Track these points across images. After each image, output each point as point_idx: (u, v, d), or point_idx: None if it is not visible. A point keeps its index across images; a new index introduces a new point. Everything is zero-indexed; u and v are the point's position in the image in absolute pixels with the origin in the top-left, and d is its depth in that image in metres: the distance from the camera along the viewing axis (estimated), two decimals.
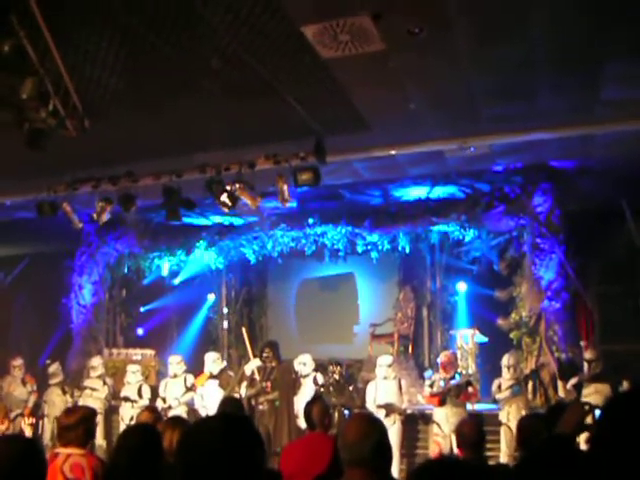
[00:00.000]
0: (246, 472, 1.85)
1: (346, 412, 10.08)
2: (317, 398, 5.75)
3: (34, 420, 7.24)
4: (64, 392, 11.61)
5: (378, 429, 2.78)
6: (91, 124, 6.72)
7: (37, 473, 2.15)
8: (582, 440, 3.18)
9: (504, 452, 9.11)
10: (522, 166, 10.65)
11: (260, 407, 10.19)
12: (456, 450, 7.10)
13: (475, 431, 4.78)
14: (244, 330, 11.75)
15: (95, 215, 9.79)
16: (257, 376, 10.37)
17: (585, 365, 9.47)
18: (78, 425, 4.29)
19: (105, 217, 9.80)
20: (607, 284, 11.46)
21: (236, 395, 10.21)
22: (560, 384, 9.93)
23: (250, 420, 2.09)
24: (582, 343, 10.34)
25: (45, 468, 2.23)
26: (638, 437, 1.89)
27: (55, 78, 6.03)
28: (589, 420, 2.82)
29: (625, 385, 8.97)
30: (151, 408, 5.58)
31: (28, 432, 6.52)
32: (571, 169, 10.48)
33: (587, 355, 9.57)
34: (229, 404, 5.27)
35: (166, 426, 4.43)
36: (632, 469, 1.90)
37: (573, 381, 9.48)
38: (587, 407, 2.89)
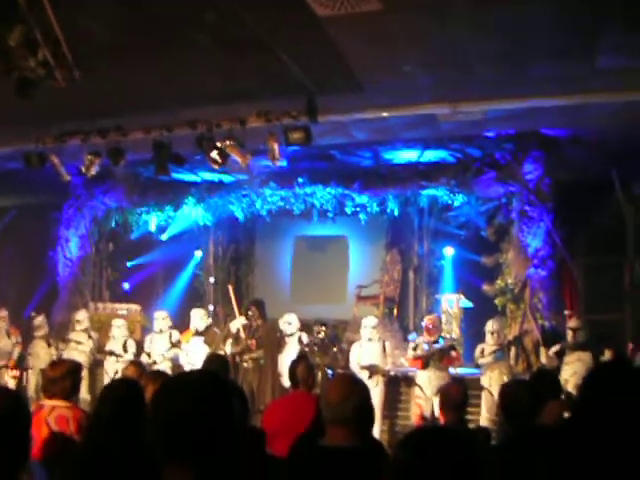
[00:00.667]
0: (227, 429, 1.85)
1: (329, 372, 10.16)
2: (302, 357, 5.80)
3: (18, 372, 7.24)
4: (49, 345, 11.63)
5: (360, 390, 2.80)
6: (81, 75, 6.63)
7: (21, 426, 2.15)
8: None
9: (484, 416, 9.24)
10: (514, 133, 10.63)
11: (245, 365, 10.26)
12: (438, 412, 7.20)
13: (460, 394, 4.85)
14: (230, 288, 11.76)
15: (83, 168, 9.70)
16: (242, 334, 10.42)
17: (569, 333, 9.55)
18: (64, 378, 4.31)
19: (94, 170, 9.71)
20: (594, 255, 11.54)
21: (221, 352, 10.27)
22: (543, 351, 10.03)
23: (230, 378, 2.08)
24: (566, 312, 10.42)
25: (29, 421, 2.23)
26: (617, 407, 1.91)
27: (45, 27, 5.93)
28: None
29: (607, 354, 9.08)
30: (136, 363, 5.61)
31: (12, 384, 6.53)
32: (563, 138, 10.46)
33: (571, 324, 9.65)
34: (214, 361, 5.29)
35: (147, 380, 4.45)
36: (611, 440, 1.92)
37: (555, 348, 9.58)
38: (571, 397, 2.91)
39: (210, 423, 1.83)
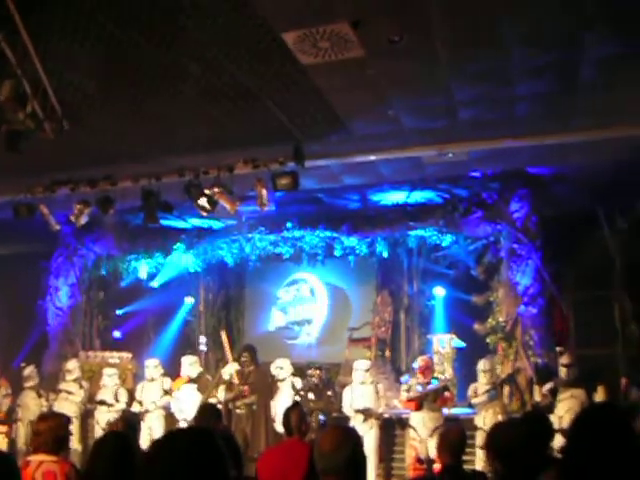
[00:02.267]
0: None
1: (321, 417, 10.09)
2: (295, 404, 5.78)
3: (7, 428, 7.17)
4: (39, 395, 11.51)
5: (352, 439, 2.82)
6: (70, 126, 6.69)
7: None
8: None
9: (479, 457, 9.17)
10: (499, 172, 10.75)
11: (238, 411, 10.19)
12: (434, 454, 7.15)
13: (459, 438, 4.86)
14: (223, 334, 11.72)
15: (73, 217, 9.74)
16: (235, 380, 10.36)
17: (562, 370, 9.55)
18: (52, 432, 4.27)
19: (83, 219, 9.76)
20: (582, 290, 11.58)
21: (214, 399, 10.20)
22: (536, 389, 10.02)
23: (214, 435, 2.08)
24: (558, 348, 10.43)
25: None
26: (603, 450, 1.93)
27: (34, 80, 6.00)
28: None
29: (600, 390, 9.08)
30: (125, 418, 5.55)
31: (1, 439, 6.46)
32: (547, 176, 10.59)
33: (563, 360, 9.66)
34: (207, 411, 5.27)
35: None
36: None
37: (548, 386, 9.57)
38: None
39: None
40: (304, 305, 14.15)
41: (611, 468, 1.91)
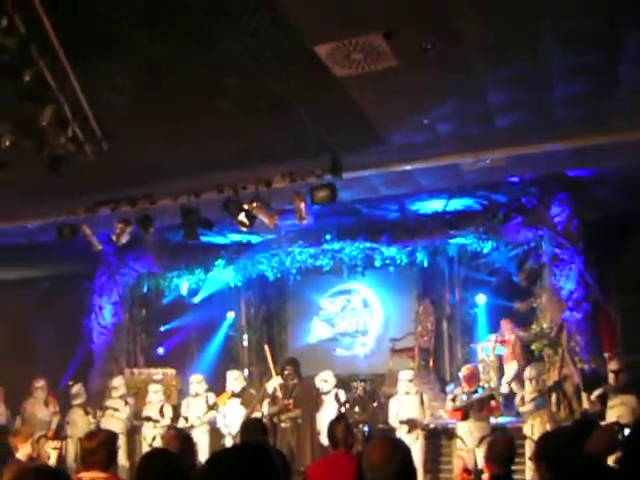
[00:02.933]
0: None
1: (366, 428, 10.02)
2: (340, 417, 5.76)
3: (59, 444, 7.26)
4: (86, 413, 11.65)
5: (402, 451, 2.80)
6: (109, 147, 6.80)
7: None
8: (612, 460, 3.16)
9: (529, 466, 9.03)
10: (538, 177, 10.63)
11: (282, 425, 10.19)
12: (482, 464, 7.07)
13: (507, 448, 4.79)
14: (267, 347, 11.74)
15: (114, 237, 9.87)
16: (279, 394, 10.37)
17: (610, 376, 9.38)
18: (100, 449, 4.31)
19: (124, 238, 9.88)
20: (629, 294, 11.37)
21: (258, 414, 10.22)
22: (584, 396, 9.85)
23: (270, 451, 2.08)
24: (606, 354, 10.25)
25: None
26: None
27: (73, 104, 6.11)
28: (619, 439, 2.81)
29: None
30: (180, 436, 5.55)
31: (53, 455, 6.54)
32: (588, 178, 10.44)
33: (612, 366, 9.48)
34: (252, 426, 5.27)
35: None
36: None
37: (597, 392, 9.39)
38: (616, 427, 2.88)
39: None
40: (356, 316, 14.13)
41: None
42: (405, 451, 2.83)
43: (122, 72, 6.38)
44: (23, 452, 6.86)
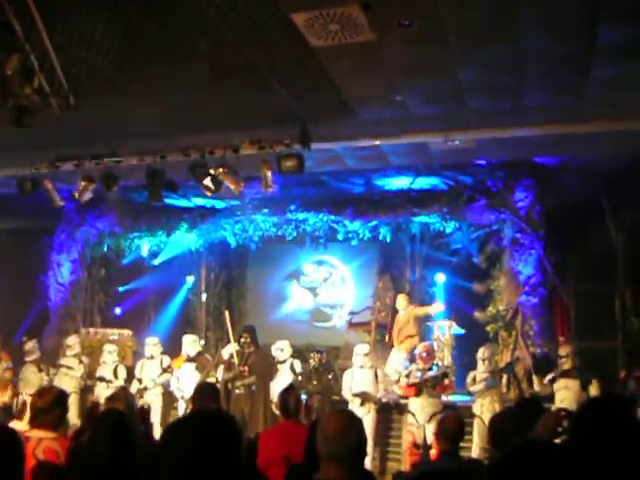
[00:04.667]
0: (227, 474, 1.87)
1: (304, 397, 10.06)
2: (291, 387, 5.79)
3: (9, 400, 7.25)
4: (40, 370, 11.53)
5: (357, 426, 2.82)
6: (76, 102, 6.66)
7: (17, 463, 2.15)
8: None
9: (476, 444, 9.20)
10: (505, 161, 10.72)
11: (237, 391, 10.21)
12: (431, 440, 7.18)
13: (457, 426, 4.87)
14: (227, 313, 11.72)
15: (77, 193, 9.73)
16: (235, 360, 10.39)
17: (560, 360, 9.56)
18: (52, 408, 4.25)
19: (87, 196, 9.75)
20: (584, 281, 11.58)
21: (212, 379, 10.23)
22: (535, 378, 10.03)
23: (227, 418, 2.08)
24: (561, 339, 10.45)
25: (24, 458, 2.22)
26: (608, 443, 1.93)
27: (41, 55, 5.97)
28: (564, 425, 2.87)
29: (594, 384, 9.11)
30: (124, 396, 5.54)
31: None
32: (553, 166, 10.56)
33: (562, 351, 9.66)
34: (205, 391, 5.27)
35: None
36: (602, 472, 1.95)
37: (550, 376, 9.57)
38: (563, 413, 2.94)
39: (219, 465, 1.84)
40: (336, 289, 14.34)
41: (614, 458, 1.92)
42: (360, 425, 2.86)
43: (94, 27, 6.24)
44: None
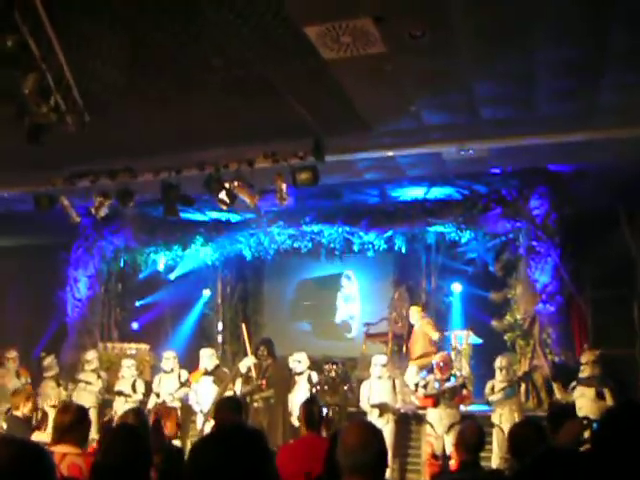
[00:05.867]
0: None
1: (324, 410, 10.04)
2: (313, 398, 5.78)
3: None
4: (58, 385, 11.60)
5: (379, 437, 2.82)
6: (91, 119, 6.73)
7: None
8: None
9: (496, 454, 9.16)
10: (519, 169, 10.70)
11: (255, 405, 10.22)
12: (450, 451, 7.15)
13: (476, 436, 4.85)
14: (244, 327, 11.73)
15: (93, 209, 9.80)
16: (253, 373, 10.40)
17: (580, 368, 9.52)
18: (77, 424, 4.27)
19: (103, 212, 9.81)
20: (601, 289, 11.49)
21: (230, 393, 10.24)
22: (555, 386, 9.99)
23: (262, 435, 2.08)
24: (584, 346, 10.41)
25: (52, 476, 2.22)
26: (633, 450, 1.93)
27: (57, 73, 6.03)
28: (587, 434, 2.86)
29: (606, 392, 9.07)
30: (136, 411, 5.55)
31: None
32: (568, 173, 10.52)
33: (582, 358, 9.64)
34: (227, 404, 5.27)
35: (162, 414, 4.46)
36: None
37: (573, 384, 9.53)
38: (585, 422, 2.93)
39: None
40: (354, 301, 14.37)
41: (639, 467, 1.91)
42: (381, 436, 2.86)
43: (108, 44, 6.30)
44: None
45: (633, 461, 1.93)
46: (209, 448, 1.98)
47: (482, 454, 6.62)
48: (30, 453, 2.15)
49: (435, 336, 11.18)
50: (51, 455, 2.35)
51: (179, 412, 10.79)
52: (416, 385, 10.01)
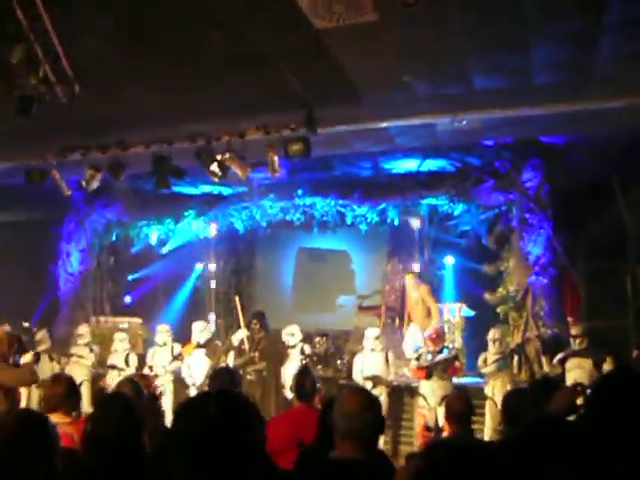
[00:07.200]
0: (248, 448, 1.85)
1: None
2: (305, 370, 5.77)
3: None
4: (51, 359, 11.60)
5: (377, 403, 2.84)
6: (82, 91, 6.65)
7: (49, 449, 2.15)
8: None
9: (488, 426, 9.21)
10: (512, 141, 10.66)
11: (248, 377, 10.25)
12: (442, 423, 7.18)
13: (464, 406, 4.86)
14: (237, 299, 11.73)
15: (84, 182, 9.74)
16: (245, 346, 10.41)
17: (572, 341, 9.54)
18: (67, 394, 4.31)
19: (94, 185, 9.76)
20: (594, 261, 11.51)
21: (223, 364, 10.26)
22: (544, 359, 10.02)
23: (241, 397, 2.07)
24: (569, 319, 10.41)
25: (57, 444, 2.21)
26: (625, 418, 1.92)
27: (46, 44, 5.95)
28: (580, 401, 2.86)
29: (608, 361, 9.07)
30: (132, 381, 5.55)
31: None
32: (561, 145, 10.49)
33: (573, 331, 9.64)
34: (221, 376, 5.26)
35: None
36: (620, 446, 1.94)
37: (559, 356, 9.55)
38: (579, 388, 2.93)
39: (233, 440, 1.83)
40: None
41: (631, 433, 1.90)
42: (378, 402, 2.88)
43: (101, 16, 6.21)
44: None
45: (625, 426, 1.92)
46: (187, 411, 1.96)
47: (475, 426, 6.67)
48: (35, 421, 2.15)
49: (434, 308, 11.17)
50: (54, 424, 2.35)
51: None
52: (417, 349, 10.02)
